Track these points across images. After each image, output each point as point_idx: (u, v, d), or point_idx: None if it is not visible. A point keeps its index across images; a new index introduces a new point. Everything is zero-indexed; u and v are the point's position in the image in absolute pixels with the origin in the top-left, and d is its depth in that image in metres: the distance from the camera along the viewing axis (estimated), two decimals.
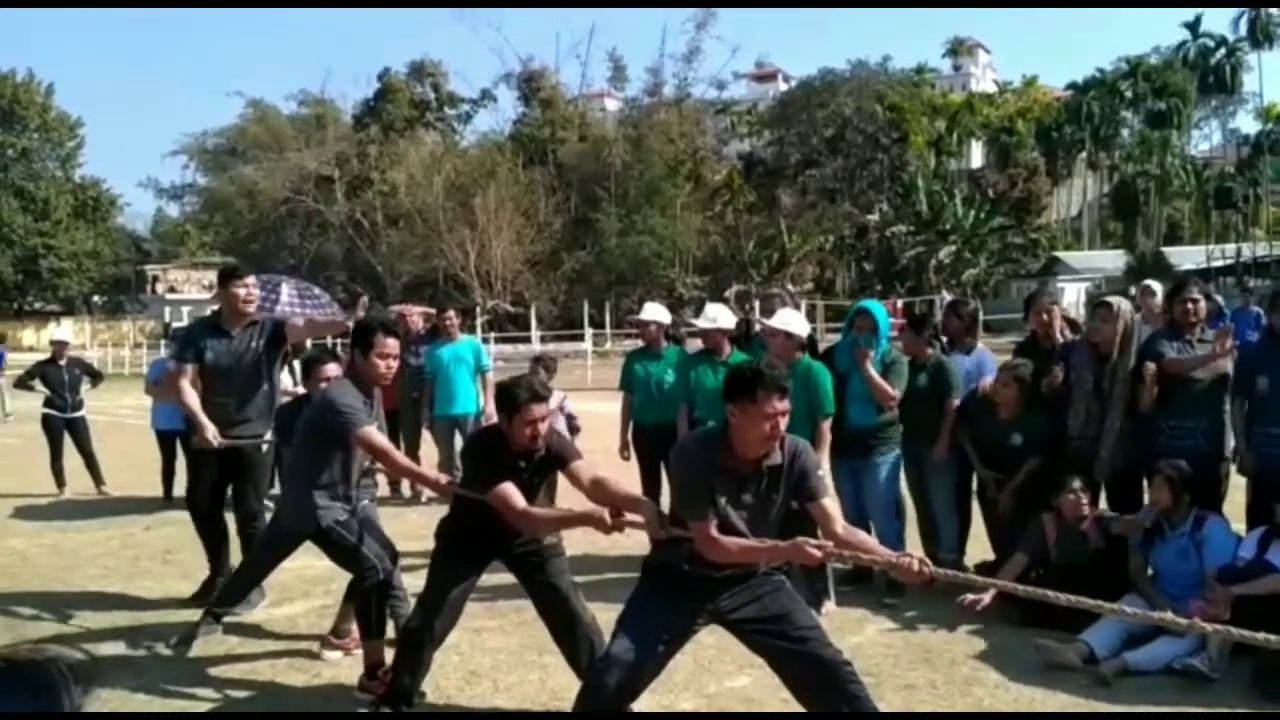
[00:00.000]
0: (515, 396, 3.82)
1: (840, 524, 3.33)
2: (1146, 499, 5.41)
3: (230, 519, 5.76)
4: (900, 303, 27.68)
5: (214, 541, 5.72)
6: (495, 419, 4.10)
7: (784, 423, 3.24)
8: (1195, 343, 5.30)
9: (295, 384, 7.44)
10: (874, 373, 5.53)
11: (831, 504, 3.39)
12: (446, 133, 56.39)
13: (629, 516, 3.63)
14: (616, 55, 55.33)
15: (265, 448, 5.55)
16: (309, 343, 7.93)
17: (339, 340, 9.91)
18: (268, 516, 5.50)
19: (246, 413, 5.48)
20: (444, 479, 4.51)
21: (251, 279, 5.51)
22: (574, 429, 6.93)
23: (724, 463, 3.28)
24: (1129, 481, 5.50)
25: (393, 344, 4.41)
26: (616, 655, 3.30)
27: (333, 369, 5.05)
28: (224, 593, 5.24)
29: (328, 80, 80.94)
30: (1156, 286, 7.43)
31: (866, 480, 5.70)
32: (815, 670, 3.31)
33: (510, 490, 3.77)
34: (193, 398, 5.33)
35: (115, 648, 5.04)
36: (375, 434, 4.37)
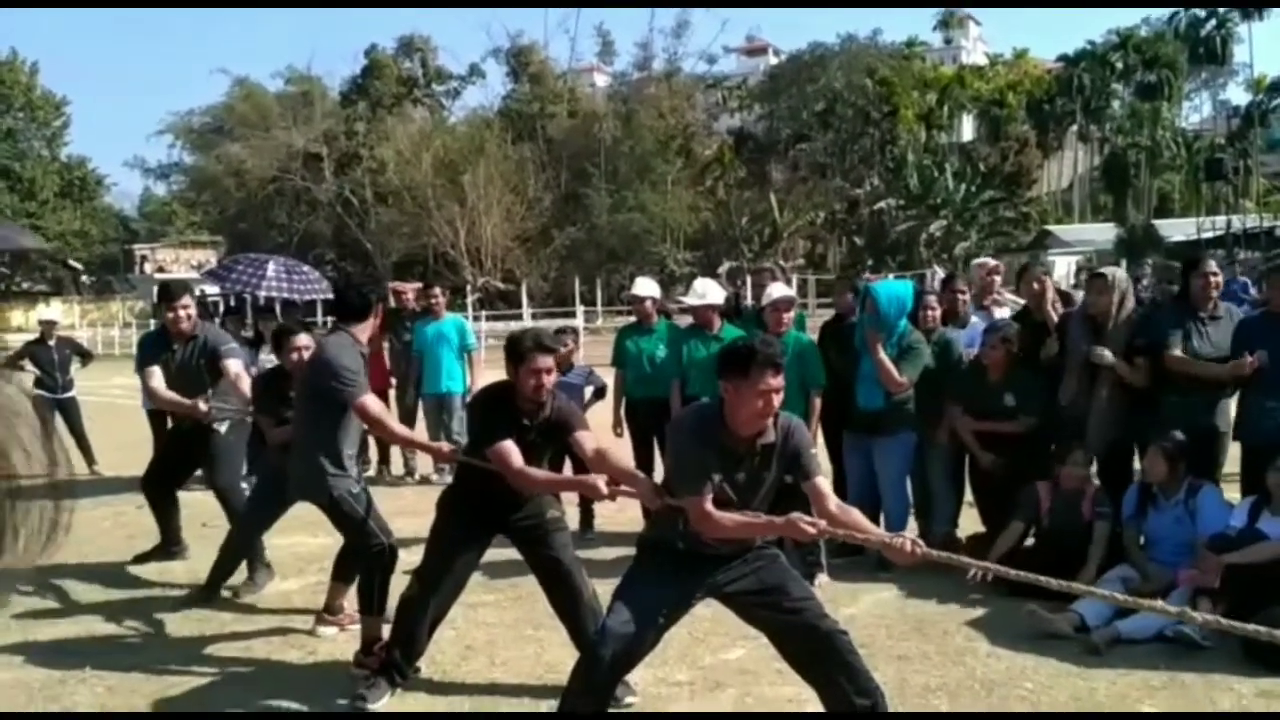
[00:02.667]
0: (521, 345, 3.81)
1: (834, 502, 3.34)
2: (1137, 472, 5.46)
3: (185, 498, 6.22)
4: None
5: (163, 516, 6.08)
6: None
7: (778, 399, 3.23)
8: (1209, 319, 5.29)
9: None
10: (884, 357, 5.51)
11: (824, 482, 3.40)
12: (435, 109, 55.93)
13: (624, 487, 3.64)
14: (605, 30, 55.01)
15: (226, 427, 5.75)
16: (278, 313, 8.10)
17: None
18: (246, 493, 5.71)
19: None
20: (445, 446, 4.53)
21: (187, 299, 5.69)
22: (599, 393, 6.94)
23: (719, 439, 3.28)
24: (1120, 455, 5.53)
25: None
26: (613, 629, 3.30)
27: (304, 339, 5.10)
28: (215, 571, 5.40)
29: (314, 57, 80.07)
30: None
31: (878, 459, 5.70)
32: (811, 641, 3.32)
33: (510, 447, 3.76)
34: (170, 394, 5.58)
35: (111, 626, 5.06)
36: (374, 403, 4.38)
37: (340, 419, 4.35)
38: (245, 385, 5.60)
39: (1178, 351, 5.21)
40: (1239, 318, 5.40)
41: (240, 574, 5.57)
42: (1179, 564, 4.74)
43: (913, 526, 5.82)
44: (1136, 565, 4.92)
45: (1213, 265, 5.49)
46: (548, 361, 3.83)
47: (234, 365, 5.64)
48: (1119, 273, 5.71)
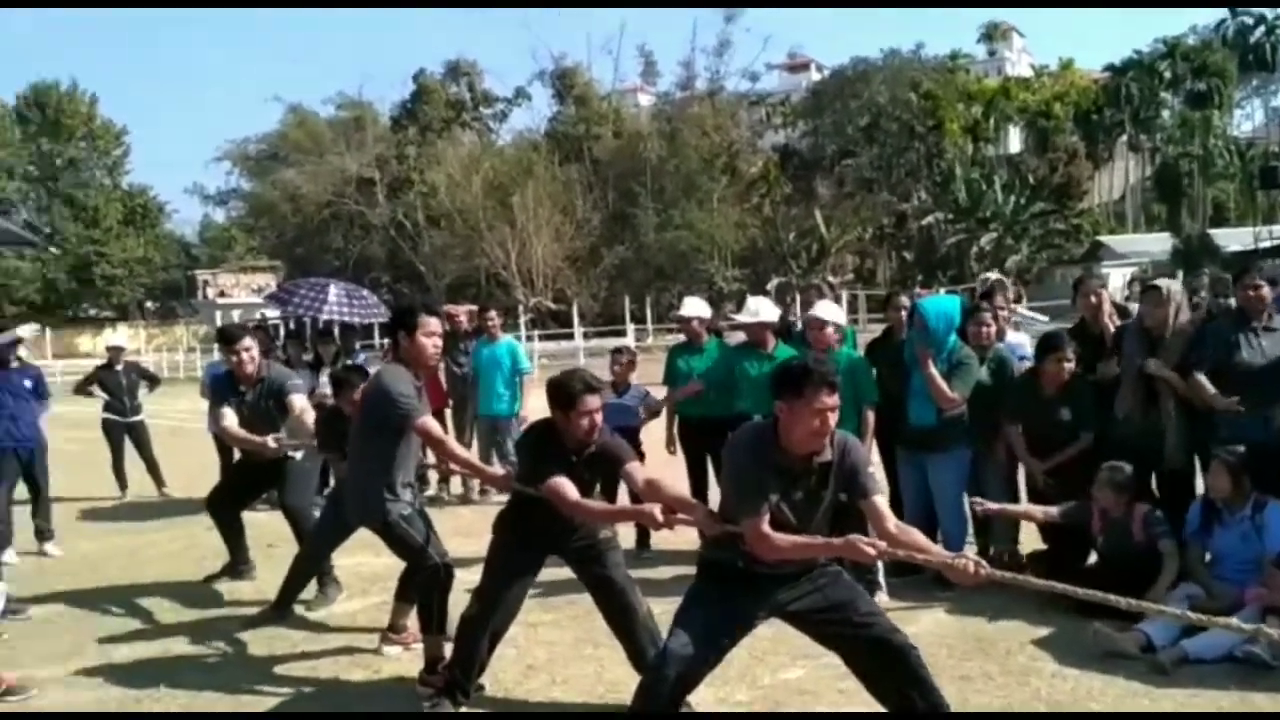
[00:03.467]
0: (571, 389, 3.88)
1: (892, 521, 3.33)
2: (1199, 488, 5.38)
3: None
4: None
5: (230, 537, 6.29)
6: (529, 420, 4.17)
7: (834, 419, 3.23)
8: (1262, 330, 5.20)
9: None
10: (935, 373, 5.47)
11: (883, 501, 3.39)
12: (483, 132, 56.71)
13: (680, 515, 3.68)
14: (647, 50, 55.45)
15: (301, 455, 5.90)
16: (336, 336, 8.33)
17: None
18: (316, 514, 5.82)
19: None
20: (500, 472, 4.62)
21: (248, 340, 5.88)
22: (654, 414, 6.98)
23: (775, 459, 3.28)
24: (1184, 472, 5.44)
25: (435, 323, 4.47)
26: (674, 651, 3.31)
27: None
28: (285, 590, 5.54)
29: (365, 84, 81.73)
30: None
31: (933, 476, 5.66)
32: (883, 655, 3.32)
33: (564, 482, 3.84)
34: (241, 431, 5.79)
35: (183, 646, 5.18)
36: (434, 424, 4.47)
37: (393, 446, 4.43)
38: (310, 418, 5.77)
39: (1201, 376, 5.14)
40: None
41: (311, 590, 5.70)
42: (1245, 582, 4.65)
43: (972, 545, 5.79)
44: (1201, 583, 4.85)
45: (1257, 276, 5.33)
46: (598, 402, 3.93)
47: (299, 401, 5.83)
48: (1174, 284, 5.64)
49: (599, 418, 3.94)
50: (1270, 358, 5.14)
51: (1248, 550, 4.80)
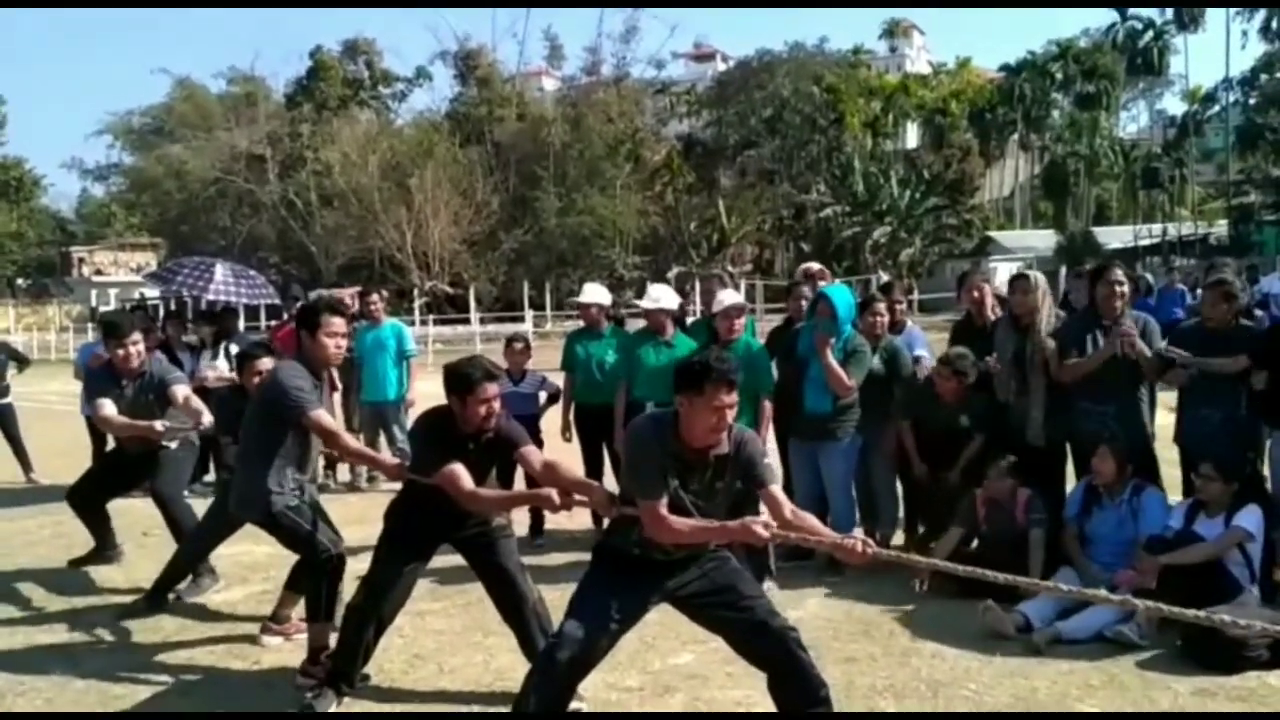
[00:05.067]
0: (469, 376, 3.82)
1: (789, 508, 3.39)
2: (1070, 473, 5.58)
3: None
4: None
5: (94, 526, 6.13)
6: (416, 404, 4.09)
7: (731, 415, 3.27)
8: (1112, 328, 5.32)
9: (230, 369, 7.44)
10: (833, 361, 5.54)
11: (779, 490, 3.45)
12: (381, 111, 55.46)
13: (577, 497, 3.67)
14: (553, 34, 54.89)
15: (175, 445, 5.77)
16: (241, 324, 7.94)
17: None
18: (193, 504, 5.71)
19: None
20: (393, 461, 4.53)
21: (136, 335, 5.63)
22: (553, 398, 6.92)
23: (673, 448, 3.31)
24: (1052, 454, 5.62)
25: (339, 323, 4.39)
26: (568, 634, 3.32)
27: (267, 363, 5.07)
28: (161, 579, 5.35)
29: (257, 58, 78.99)
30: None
31: (824, 463, 5.74)
32: (762, 638, 3.37)
33: (458, 471, 3.78)
34: (123, 420, 5.54)
35: (51, 636, 4.97)
36: (325, 417, 4.35)
37: (283, 440, 4.33)
38: (196, 403, 5.60)
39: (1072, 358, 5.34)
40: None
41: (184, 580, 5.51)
42: (1117, 565, 4.84)
43: (859, 528, 5.89)
44: (1077, 565, 5.02)
45: (1118, 274, 5.40)
46: (496, 389, 3.89)
47: (181, 390, 5.65)
48: (1039, 275, 5.85)
49: (496, 405, 3.90)
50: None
51: (1123, 533, 5.00)
